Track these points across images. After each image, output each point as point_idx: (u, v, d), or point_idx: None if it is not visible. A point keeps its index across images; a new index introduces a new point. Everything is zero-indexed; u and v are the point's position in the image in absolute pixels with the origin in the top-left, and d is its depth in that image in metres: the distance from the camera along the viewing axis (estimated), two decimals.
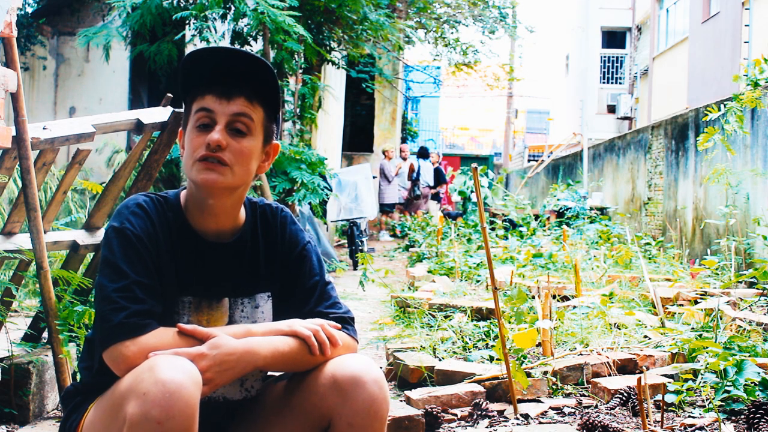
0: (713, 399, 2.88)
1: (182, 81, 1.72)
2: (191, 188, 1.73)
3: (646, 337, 3.97)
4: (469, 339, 3.98)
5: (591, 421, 2.66)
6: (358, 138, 17.50)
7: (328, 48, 8.20)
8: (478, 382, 3.22)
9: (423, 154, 15.16)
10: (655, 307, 4.51)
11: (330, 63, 8.41)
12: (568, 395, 3.27)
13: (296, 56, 7.39)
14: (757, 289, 5.48)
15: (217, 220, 1.74)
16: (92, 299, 3.10)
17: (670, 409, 2.97)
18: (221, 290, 1.74)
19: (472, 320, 4.33)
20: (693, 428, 2.76)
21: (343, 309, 1.82)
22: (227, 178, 1.67)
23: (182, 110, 1.86)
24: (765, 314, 4.74)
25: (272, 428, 1.72)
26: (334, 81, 10.78)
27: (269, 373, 1.85)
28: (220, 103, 1.66)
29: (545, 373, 3.35)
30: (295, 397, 1.69)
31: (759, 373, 2.95)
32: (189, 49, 8.15)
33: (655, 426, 2.71)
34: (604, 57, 21.58)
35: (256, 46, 7.33)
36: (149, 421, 1.41)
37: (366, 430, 1.62)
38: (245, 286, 1.77)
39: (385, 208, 14.13)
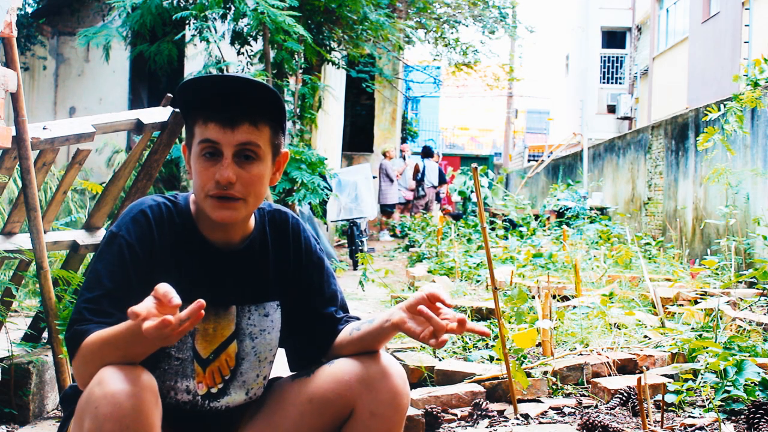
0: (713, 399, 2.88)
1: (182, 103, 1.67)
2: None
3: (646, 337, 3.97)
4: (469, 339, 3.98)
5: (591, 421, 2.66)
6: (358, 138, 17.49)
7: (328, 48, 8.20)
8: (478, 382, 3.22)
9: (427, 153, 15.07)
10: (655, 307, 4.51)
11: (330, 63, 8.41)
12: (568, 395, 3.27)
13: (296, 56, 7.39)
14: (757, 289, 5.48)
15: (228, 232, 1.72)
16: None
17: (670, 409, 2.97)
18: (229, 297, 1.73)
19: (472, 320, 4.32)
20: (693, 428, 2.76)
21: (354, 317, 1.86)
22: (241, 212, 1.65)
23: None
24: (765, 314, 4.74)
25: (288, 423, 1.72)
26: (334, 81, 10.78)
27: (272, 375, 1.85)
28: (224, 132, 1.60)
29: (545, 373, 3.35)
30: (318, 387, 1.70)
31: (759, 373, 2.95)
32: (189, 49, 8.16)
33: (655, 426, 2.72)
34: (604, 57, 21.58)
35: (256, 46, 7.33)
36: None
37: (387, 420, 1.65)
38: (253, 294, 1.76)
39: (387, 209, 14.10)
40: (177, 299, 1.37)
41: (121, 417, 1.42)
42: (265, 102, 1.64)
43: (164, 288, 1.38)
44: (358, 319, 1.83)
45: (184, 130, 1.79)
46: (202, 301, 1.37)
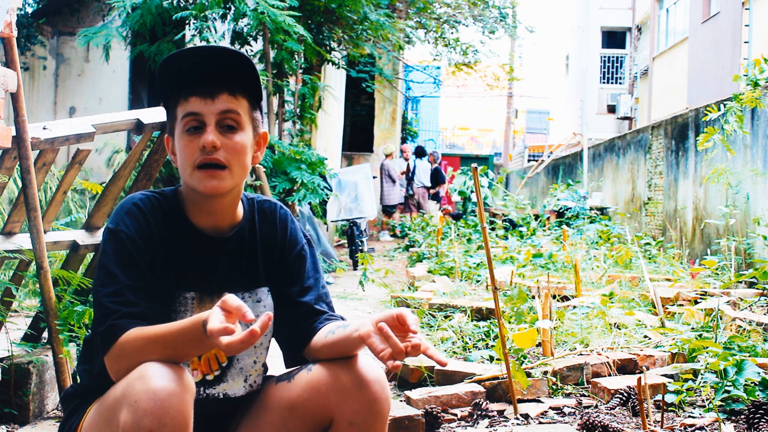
0: (713, 399, 2.88)
1: (162, 88, 1.72)
2: (188, 189, 1.74)
3: (646, 337, 3.97)
4: (469, 339, 3.98)
5: (591, 421, 2.66)
6: (358, 138, 17.49)
7: (328, 48, 8.19)
8: (478, 382, 3.22)
9: (419, 152, 15.17)
10: (655, 307, 4.51)
11: (330, 63, 8.40)
12: (568, 395, 3.27)
13: (296, 56, 7.39)
14: (757, 289, 5.48)
15: (216, 218, 1.76)
16: (92, 299, 3.10)
17: (670, 409, 2.97)
18: (222, 284, 1.75)
19: (472, 320, 4.33)
20: (693, 428, 2.76)
21: (338, 315, 1.85)
22: (227, 181, 1.69)
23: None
24: (765, 314, 4.74)
25: (271, 427, 1.72)
26: (334, 81, 10.78)
27: (269, 373, 1.86)
28: (205, 103, 1.67)
29: (545, 373, 3.35)
30: (297, 396, 1.70)
31: (759, 373, 2.95)
32: None
33: (655, 426, 2.72)
34: (604, 57, 21.58)
35: (256, 46, 7.33)
36: (141, 430, 1.42)
37: (367, 429, 1.64)
38: (245, 280, 1.78)
39: (389, 209, 14.10)
40: (250, 313, 1.42)
41: (162, 414, 1.43)
42: (238, 68, 1.70)
43: (236, 302, 1.43)
44: (342, 318, 1.83)
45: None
46: (270, 314, 1.42)
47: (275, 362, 1.91)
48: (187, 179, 1.70)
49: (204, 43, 6.71)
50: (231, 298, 1.43)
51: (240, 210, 1.80)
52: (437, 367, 3.37)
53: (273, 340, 1.88)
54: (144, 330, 1.55)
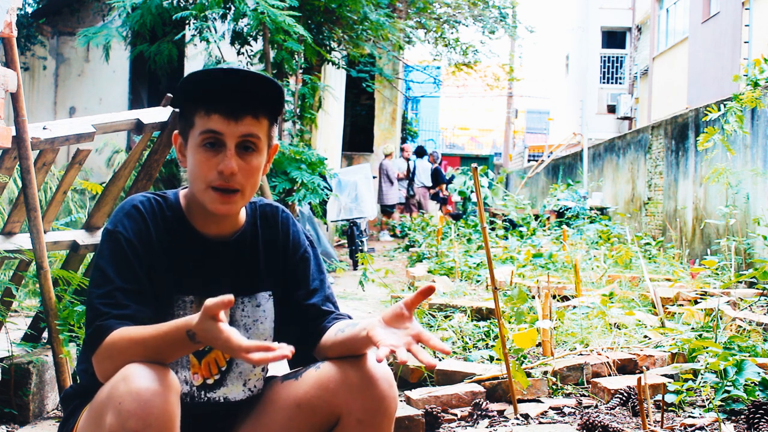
0: (713, 399, 2.88)
1: (183, 91, 1.69)
2: (194, 195, 1.72)
3: (646, 337, 3.97)
4: (469, 339, 3.98)
5: (591, 421, 2.66)
6: (358, 138, 17.49)
7: (328, 48, 8.19)
8: (478, 382, 3.22)
9: (420, 152, 15.17)
10: (655, 307, 4.51)
11: (330, 63, 8.40)
12: (568, 395, 3.27)
13: (296, 56, 7.39)
14: (757, 289, 5.48)
15: (219, 224, 1.76)
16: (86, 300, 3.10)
17: (670, 409, 2.97)
18: (222, 289, 1.74)
19: (472, 320, 4.33)
20: (693, 428, 2.76)
21: (345, 314, 1.85)
22: (239, 204, 1.69)
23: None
24: (765, 314, 4.74)
25: (277, 426, 1.72)
26: (334, 81, 10.78)
27: (270, 374, 1.86)
28: (228, 124, 1.64)
29: (545, 373, 3.35)
30: (305, 393, 1.70)
31: (759, 373, 2.95)
32: (189, 49, 8.16)
33: (655, 426, 2.72)
34: (604, 57, 21.58)
35: (256, 46, 7.33)
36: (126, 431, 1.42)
37: (375, 427, 1.65)
38: (246, 285, 1.78)
39: (387, 209, 14.10)
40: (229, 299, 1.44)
41: (146, 415, 1.43)
42: (268, 96, 1.68)
43: (216, 304, 1.43)
44: (349, 317, 1.83)
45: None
46: (286, 347, 1.42)
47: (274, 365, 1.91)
48: (199, 195, 1.68)
49: (204, 44, 6.72)
50: (210, 304, 1.43)
51: (242, 214, 1.80)
52: (437, 366, 3.37)
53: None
54: (129, 331, 1.55)
